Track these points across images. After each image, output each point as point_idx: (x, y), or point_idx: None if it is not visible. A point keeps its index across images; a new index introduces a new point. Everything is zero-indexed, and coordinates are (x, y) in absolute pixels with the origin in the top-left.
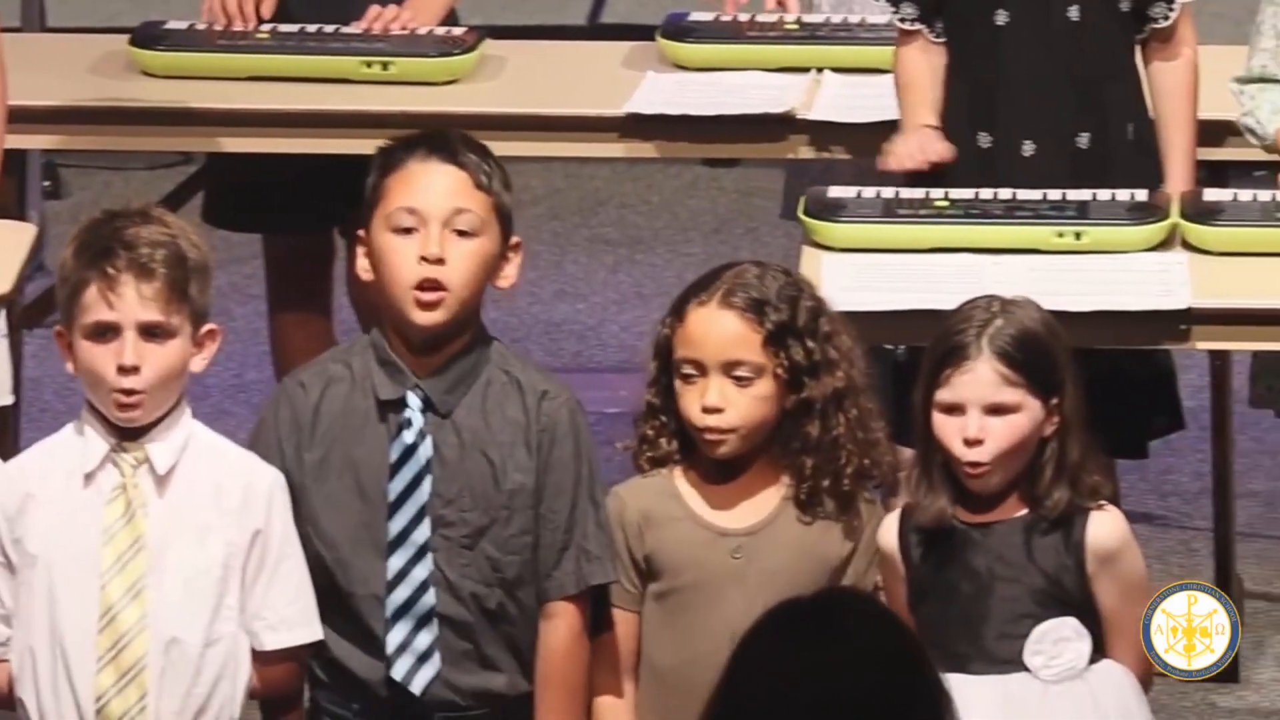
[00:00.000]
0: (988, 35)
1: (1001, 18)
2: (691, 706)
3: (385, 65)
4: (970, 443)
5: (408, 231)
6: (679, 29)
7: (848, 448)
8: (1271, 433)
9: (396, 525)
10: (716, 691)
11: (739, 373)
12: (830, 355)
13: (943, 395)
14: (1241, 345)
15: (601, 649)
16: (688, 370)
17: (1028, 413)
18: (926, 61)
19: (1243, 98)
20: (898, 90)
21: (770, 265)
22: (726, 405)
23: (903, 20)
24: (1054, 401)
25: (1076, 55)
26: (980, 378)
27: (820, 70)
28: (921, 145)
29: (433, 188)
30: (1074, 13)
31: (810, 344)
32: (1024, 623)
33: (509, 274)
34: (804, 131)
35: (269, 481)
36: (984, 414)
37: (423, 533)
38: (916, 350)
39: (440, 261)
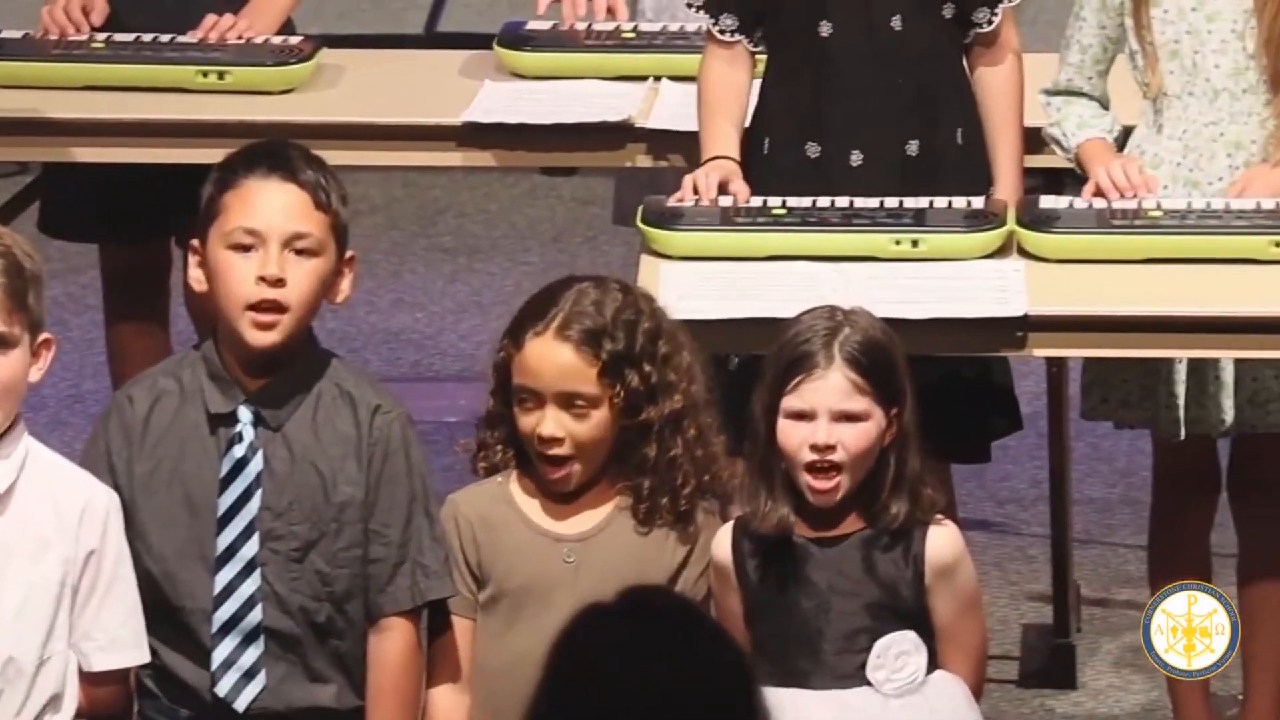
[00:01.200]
0: (812, 46)
1: (825, 28)
2: (520, 709)
3: (221, 74)
4: (819, 449)
5: (245, 250)
6: (516, 38)
7: (685, 468)
8: (1107, 439)
9: (225, 540)
10: (535, 694)
11: (576, 404)
12: (668, 378)
13: (791, 402)
14: (1078, 352)
15: (439, 658)
16: (525, 397)
17: (875, 421)
18: (733, 77)
19: (1050, 109)
20: (701, 106)
21: (608, 283)
22: (563, 435)
23: (722, 31)
24: (894, 412)
25: (901, 63)
26: (831, 385)
27: (658, 79)
28: (710, 189)
29: (272, 208)
30: (897, 22)
31: (648, 369)
32: (861, 637)
33: (344, 289)
34: (642, 140)
35: (105, 502)
36: (833, 421)
37: (251, 547)
38: (750, 359)
39: (279, 283)
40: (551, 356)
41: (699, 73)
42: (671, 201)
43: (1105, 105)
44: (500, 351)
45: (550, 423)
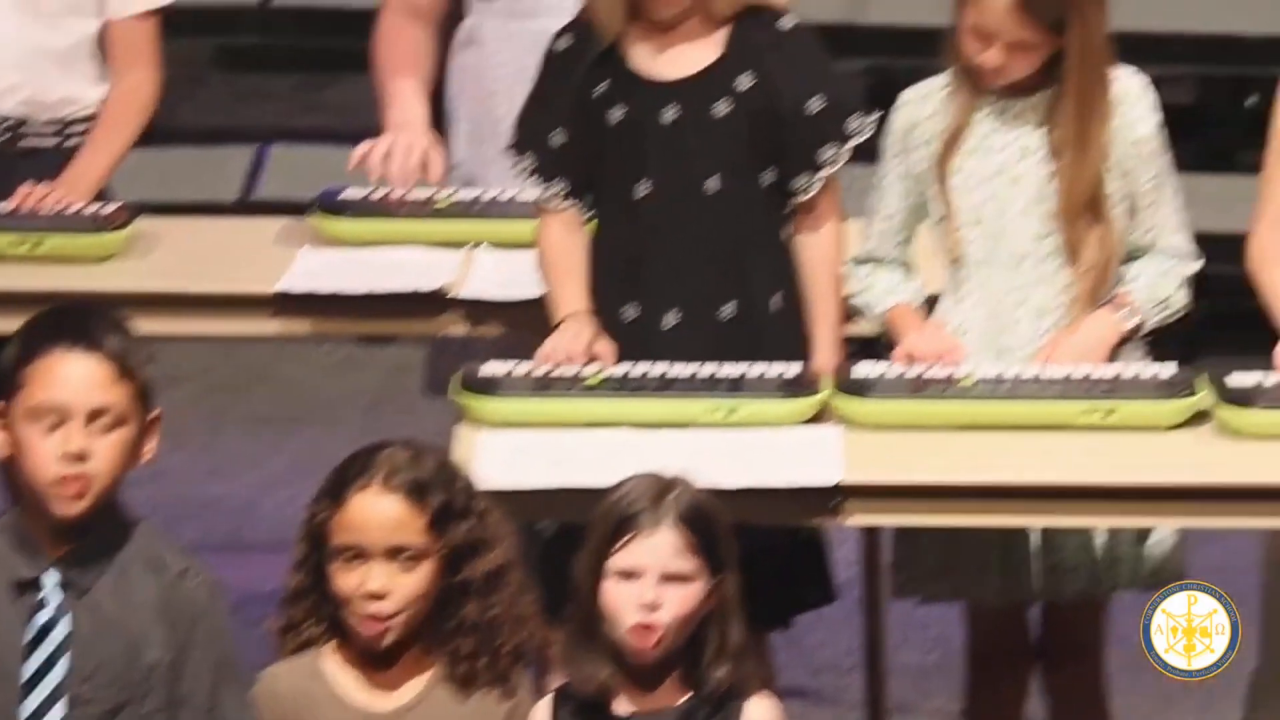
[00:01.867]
0: (631, 207)
1: (643, 189)
2: None
3: (37, 243)
4: (646, 608)
5: (49, 424)
6: (333, 204)
7: (505, 626)
8: (922, 607)
9: (29, 707)
10: None
11: (404, 557)
12: (488, 534)
13: (619, 561)
14: (894, 520)
15: None
16: (348, 555)
17: (700, 585)
18: (572, 240)
19: (856, 277)
20: (546, 270)
21: (422, 445)
22: (391, 589)
23: (553, 197)
24: (719, 578)
25: (719, 227)
26: (661, 543)
27: (474, 246)
28: (581, 344)
29: (74, 382)
30: (714, 183)
31: (471, 522)
32: None
33: (149, 448)
34: (457, 308)
35: None
36: (660, 582)
37: (57, 713)
38: (567, 527)
39: (83, 458)
40: (379, 508)
41: (538, 240)
42: (536, 367)
43: (910, 272)
44: (313, 516)
45: (378, 578)
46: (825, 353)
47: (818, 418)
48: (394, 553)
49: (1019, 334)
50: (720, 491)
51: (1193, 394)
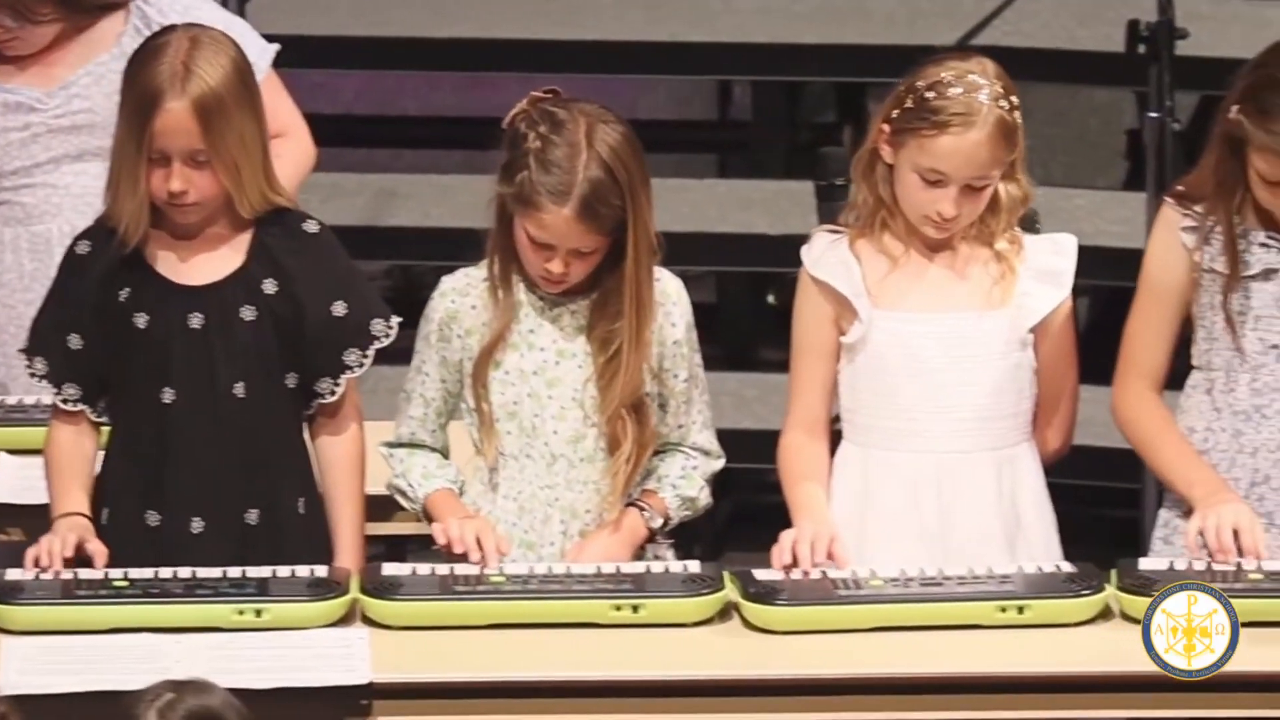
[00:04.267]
0: (155, 413)
1: (168, 395)
2: None
3: None
4: None
5: None
6: None
7: None
8: None
9: None
10: None
11: None
12: None
13: None
14: None
15: None
16: None
17: None
18: (79, 443)
19: (393, 461)
20: (50, 472)
21: None
22: None
23: (65, 401)
24: None
25: (244, 431)
26: None
27: None
28: (67, 547)
29: None
30: (240, 389)
31: None
32: None
33: None
34: None
35: None
36: None
37: None
38: None
39: None
40: None
41: (45, 442)
42: (12, 574)
43: (447, 456)
44: None
45: None
46: (348, 554)
47: (346, 619)
48: None
49: (547, 532)
50: (251, 694)
51: (720, 590)
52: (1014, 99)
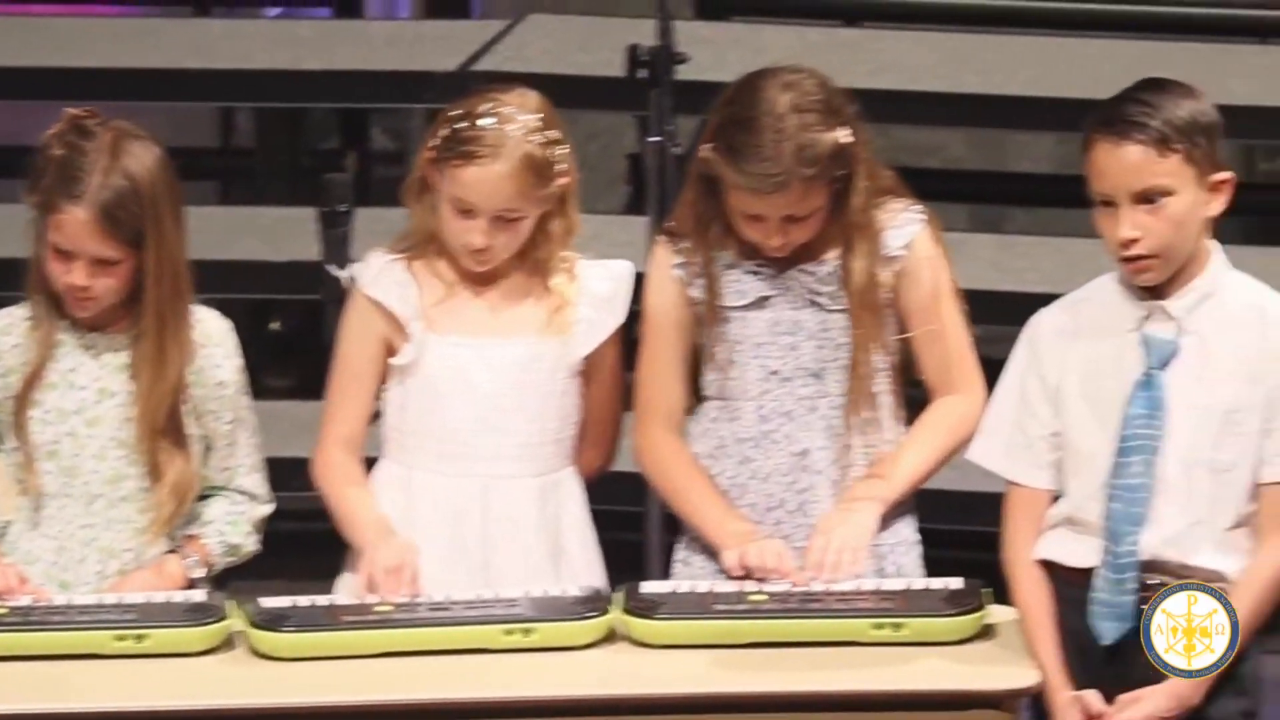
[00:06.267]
0: None
1: None
2: None
3: None
4: None
5: None
6: None
7: None
8: None
9: None
10: None
11: None
12: None
13: None
14: None
15: None
16: None
17: None
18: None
19: None
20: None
21: None
22: None
23: None
24: None
25: None
26: None
27: None
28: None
29: None
30: None
31: None
32: None
33: None
34: None
35: None
36: None
37: None
38: None
39: None
40: None
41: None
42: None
43: None
44: None
45: None
46: None
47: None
48: None
49: (83, 571)
50: None
51: (608, 613)
52: (552, 133)
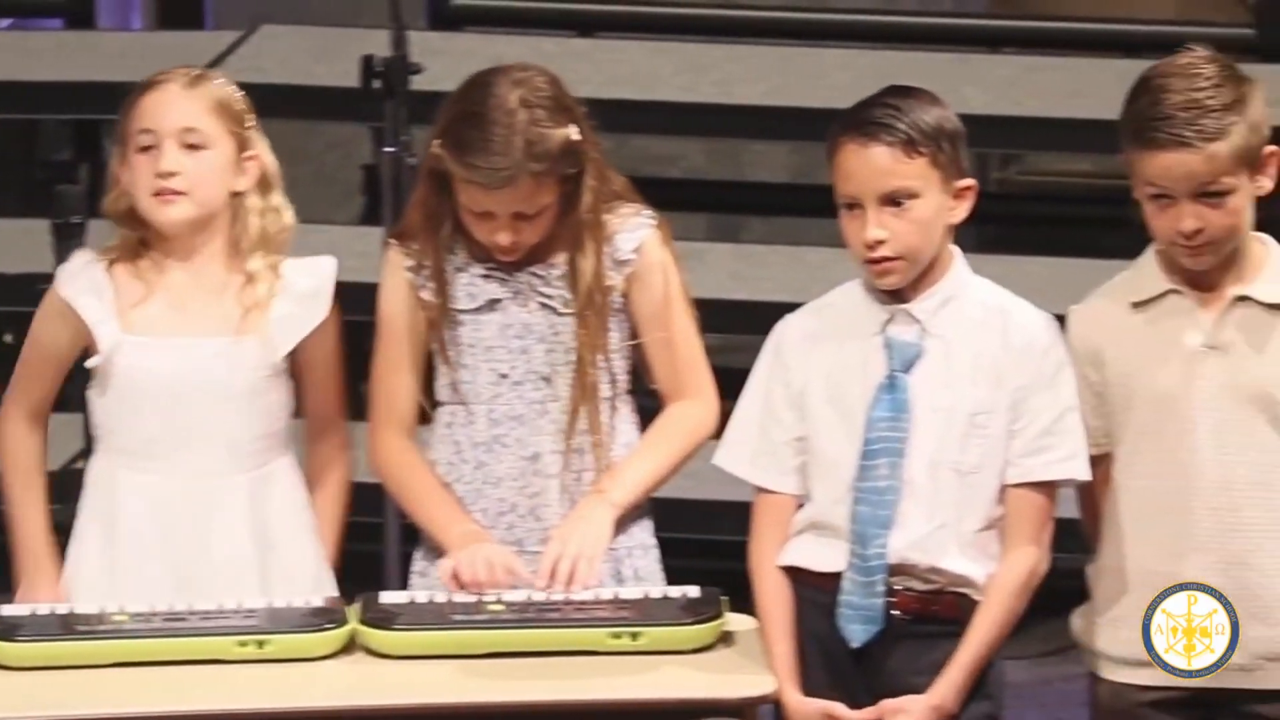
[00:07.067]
0: None
1: None
2: None
3: None
4: None
5: None
6: None
7: None
8: None
9: None
10: None
11: None
12: None
13: None
14: None
15: None
16: None
17: None
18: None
19: None
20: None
21: None
22: None
23: None
24: None
25: None
26: None
27: None
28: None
29: None
30: None
31: None
32: None
33: None
34: None
35: None
36: None
37: None
38: None
39: None
40: None
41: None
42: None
43: None
44: None
45: None
46: None
47: None
48: None
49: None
50: None
51: (345, 624)
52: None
